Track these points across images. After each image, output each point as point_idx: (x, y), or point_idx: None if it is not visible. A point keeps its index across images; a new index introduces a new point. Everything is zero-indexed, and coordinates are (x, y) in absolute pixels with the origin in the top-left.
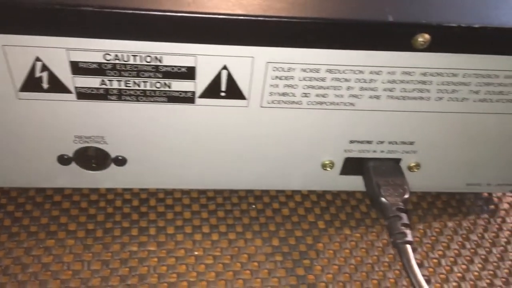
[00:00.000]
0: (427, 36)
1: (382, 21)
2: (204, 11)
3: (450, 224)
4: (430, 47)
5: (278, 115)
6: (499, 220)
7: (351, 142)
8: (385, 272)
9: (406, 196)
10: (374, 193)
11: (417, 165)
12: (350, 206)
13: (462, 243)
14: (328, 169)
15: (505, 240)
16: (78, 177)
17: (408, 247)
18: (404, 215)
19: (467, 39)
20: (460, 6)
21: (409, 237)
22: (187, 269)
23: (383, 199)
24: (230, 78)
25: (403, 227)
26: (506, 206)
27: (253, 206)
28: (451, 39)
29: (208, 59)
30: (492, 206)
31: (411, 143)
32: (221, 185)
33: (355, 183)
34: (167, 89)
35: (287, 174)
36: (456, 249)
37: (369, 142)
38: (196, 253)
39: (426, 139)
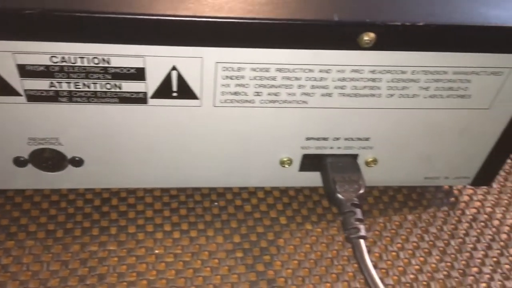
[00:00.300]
0: (372, 34)
1: (328, 21)
2: (150, 12)
3: (410, 217)
4: (376, 45)
5: (232, 114)
6: (458, 212)
7: (308, 139)
8: (344, 266)
9: (361, 191)
10: (330, 189)
11: (374, 161)
12: (312, 202)
13: (421, 235)
14: (286, 166)
15: (463, 232)
16: (36, 179)
17: (362, 241)
18: (358, 210)
19: (412, 36)
20: (405, 4)
21: (363, 232)
22: (147, 268)
23: (338, 195)
24: (180, 79)
25: (357, 222)
26: (466, 198)
27: (216, 203)
28: (396, 37)
29: (156, 60)
30: (452, 199)
31: (367, 139)
32: (181, 183)
33: (315, 179)
34: (118, 90)
35: (246, 171)
36: (415, 242)
37: (325, 139)
38: (156, 251)
39: (381, 135)
